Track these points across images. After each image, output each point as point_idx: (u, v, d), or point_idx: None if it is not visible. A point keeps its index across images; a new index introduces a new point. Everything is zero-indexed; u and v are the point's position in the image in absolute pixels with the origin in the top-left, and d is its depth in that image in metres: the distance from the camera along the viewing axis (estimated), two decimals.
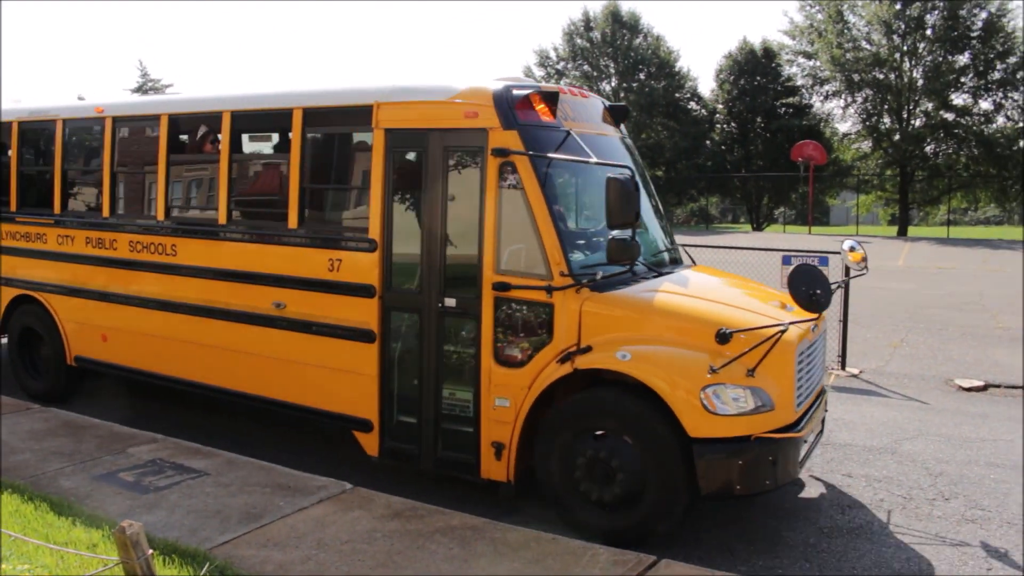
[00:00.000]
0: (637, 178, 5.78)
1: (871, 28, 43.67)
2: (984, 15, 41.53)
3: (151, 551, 3.45)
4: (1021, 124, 42.80)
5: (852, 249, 6.85)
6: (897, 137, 43.76)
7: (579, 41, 54.18)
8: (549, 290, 5.78)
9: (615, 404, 5.61)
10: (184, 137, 8.51)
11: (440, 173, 6.23)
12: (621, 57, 52.28)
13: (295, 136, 6.99)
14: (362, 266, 6.55)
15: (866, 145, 47.00)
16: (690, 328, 5.59)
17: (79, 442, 7.19)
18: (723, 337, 5.34)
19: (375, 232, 6.46)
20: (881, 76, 43.31)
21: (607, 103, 7.21)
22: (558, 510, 5.85)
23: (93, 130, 8.91)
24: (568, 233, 6.08)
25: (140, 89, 52.60)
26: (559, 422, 5.80)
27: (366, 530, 5.48)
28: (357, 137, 7.07)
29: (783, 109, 49.08)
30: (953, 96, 42.87)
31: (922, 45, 42.50)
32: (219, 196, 7.58)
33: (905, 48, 42.72)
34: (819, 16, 45.77)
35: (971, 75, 42.25)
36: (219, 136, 7.70)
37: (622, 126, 7.42)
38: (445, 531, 5.49)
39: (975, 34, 41.64)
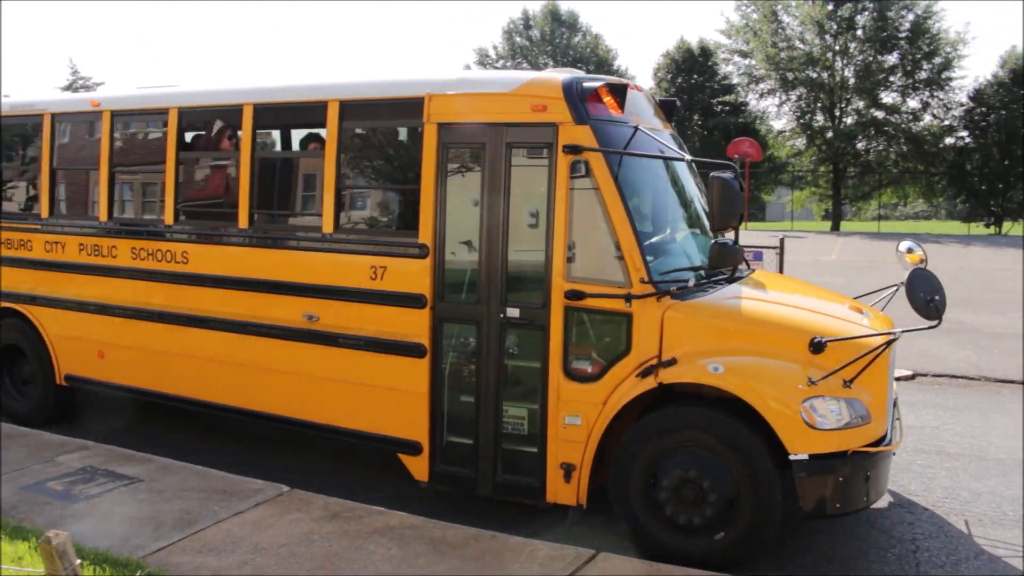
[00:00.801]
0: (740, 177, 5.39)
1: (804, 28, 44.68)
2: (911, 17, 42.83)
3: (79, 561, 3.38)
4: (947, 122, 44.21)
5: (910, 251, 6.45)
6: (830, 134, 44.87)
7: (518, 39, 54.43)
8: (628, 298, 5.33)
9: (705, 420, 5.20)
10: (196, 133, 7.76)
11: (502, 172, 5.69)
12: (560, 55, 52.61)
13: (331, 132, 6.39)
14: (411, 274, 5.99)
15: (800, 142, 48.05)
16: (781, 337, 5.26)
17: (6, 451, 6.96)
18: (818, 346, 5.09)
19: (426, 236, 5.90)
20: (814, 75, 44.35)
21: (656, 98, 6.89)
22: (636, 535, 5.42)
23: (87, 126, 8.11)
24: (646, 236, 5.60)
25: (71, 87, 51.22)
26: (640, 441, 5.35)
27: (304, 532, 5.42)
28: (404, 132, 6.58)
29: (719, 107, 49.89)
30: (883, 95, 44.16)
31: (853, 45, 43.60)
32: (240, 198, 6.82)
33: (837, 48, 43.80)
34: (754, 16, 46.65)
35: (899, 74, 43.56)
36: (238, 132, 7.01)
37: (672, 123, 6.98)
38: (384, 531, 5.43)
39: (903, 35, 42.90)
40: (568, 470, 5.57)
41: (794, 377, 5.06)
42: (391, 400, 6.16)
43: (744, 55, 48.00)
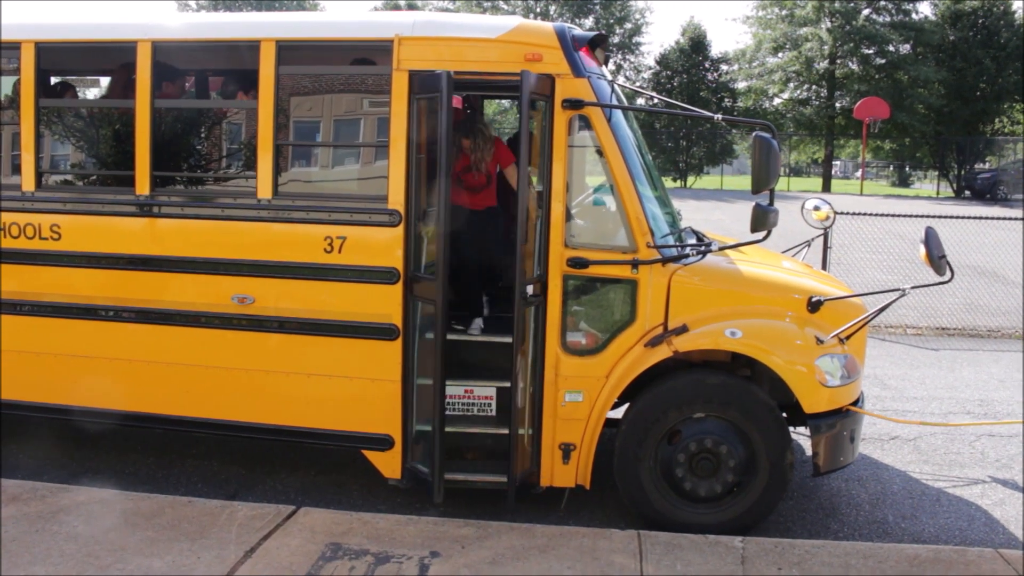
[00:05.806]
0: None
1: None
2: None
3: None
4: (638, 83, 47.96)
5: (817, 208, 6.72)
6: None
7: None
8: (635, 264, 5.02)
9: (721, 388, 5.07)
10: (66, 78, 6.41)
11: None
12: (264, 7, 50.60)
13: (265, 79, 5.35)
14: (379, 244, 5.20)
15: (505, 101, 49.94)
16: (782, 298, 5.22)
17: None
18: (815, 305, 5.10)
19: (397, 201, 5.12)
20: None
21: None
22: (644, 508, 5.18)
23: None
24: (649, 198, 5.25)
25: None
26: (651, 414, 5.10)
27: None
28: (362, 80, 5.69)
29: None
30: None
31: (553, 8, 45.83)
32: (136, 158, 5.55)
33: (538, 10, 45.81)
34: None
35: None
36: (130, 76, 5.67)
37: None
38: (70, 509, 5.00)
39: (597, 1, 45.75)
40: (567, 450, 5.21)
41: (804, 337, 5.07)
42: (354, 390, 5.41)
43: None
